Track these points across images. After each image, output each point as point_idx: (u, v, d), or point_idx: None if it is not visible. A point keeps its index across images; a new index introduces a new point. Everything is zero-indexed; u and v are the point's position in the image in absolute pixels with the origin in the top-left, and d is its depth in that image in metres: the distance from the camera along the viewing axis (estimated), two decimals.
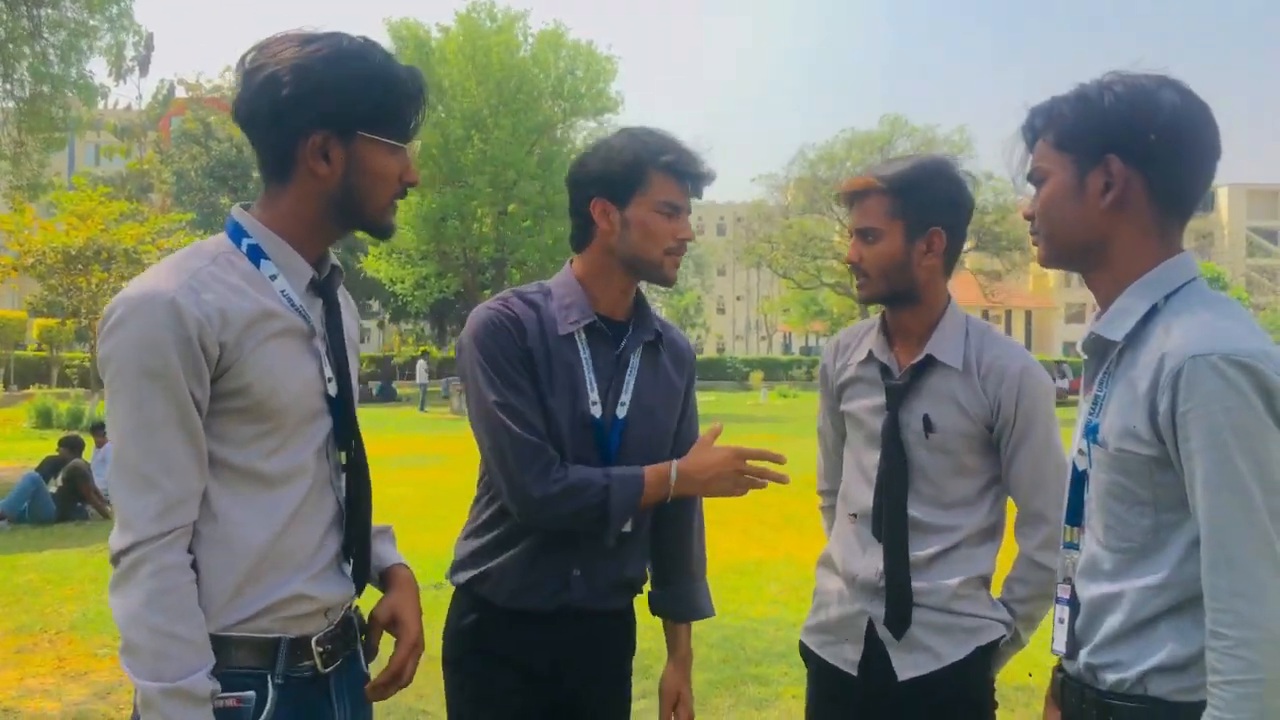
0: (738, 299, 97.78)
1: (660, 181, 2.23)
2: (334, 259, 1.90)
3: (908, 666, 2.30)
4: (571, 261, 2.35)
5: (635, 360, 2.31)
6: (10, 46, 15.71)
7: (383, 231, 1.85)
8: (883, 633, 2.32)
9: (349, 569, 1.84)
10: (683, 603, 2.47)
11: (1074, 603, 1.81)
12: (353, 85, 1.71)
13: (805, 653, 2.51)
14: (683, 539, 2.47)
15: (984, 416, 2.31)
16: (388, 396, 37.98)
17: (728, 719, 4.74)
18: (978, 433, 2.31)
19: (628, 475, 2.17)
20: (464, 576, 2.30)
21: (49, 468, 11.09)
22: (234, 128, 1.87)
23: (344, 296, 1.96)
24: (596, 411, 2.23)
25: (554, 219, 33.70)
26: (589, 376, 2.24)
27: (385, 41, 33.69)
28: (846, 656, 2.37)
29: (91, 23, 16.35)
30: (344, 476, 1.84)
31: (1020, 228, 45.89)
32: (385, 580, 2.01)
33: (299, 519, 1.74)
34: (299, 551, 1.75)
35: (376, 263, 35.58)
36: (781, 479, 2.17)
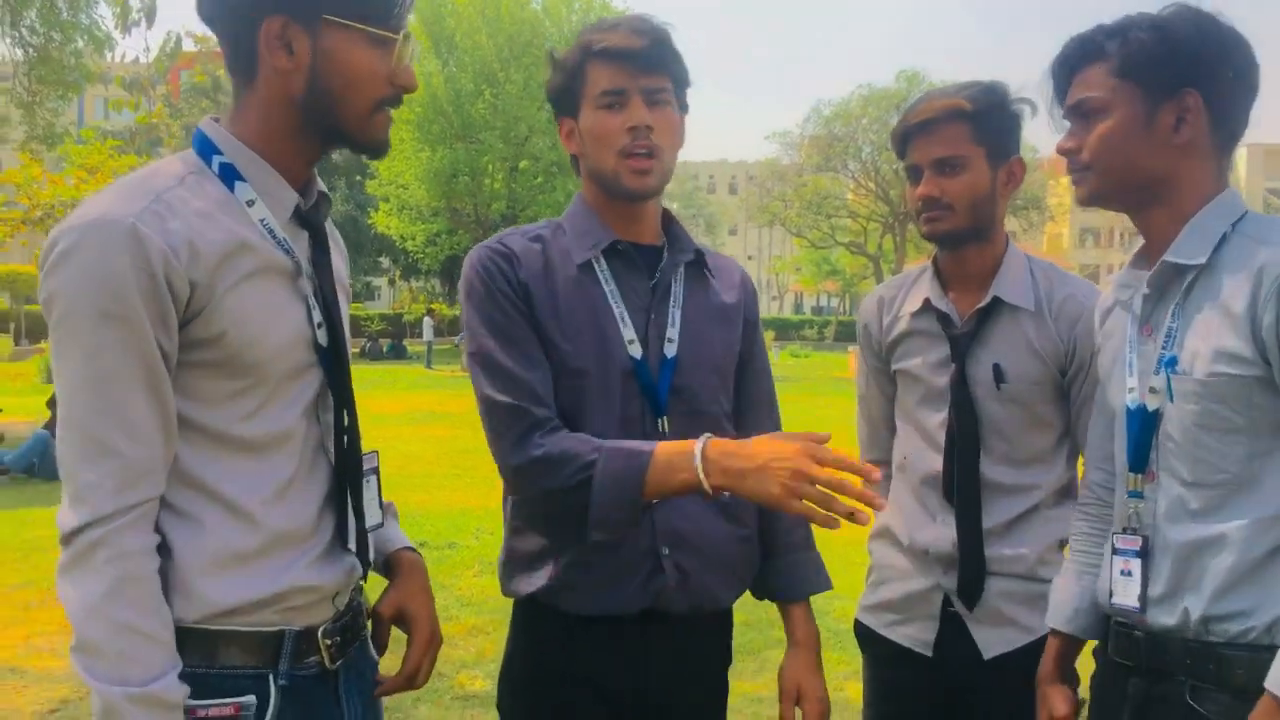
0: (749, 258, 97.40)
1: (596, 71, 1.84)
2: (322, 185, 1.59)
3: (994, 643, 2.12)
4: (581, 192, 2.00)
5: (678, 287, 1.91)
6: None
7: (371, 148, 1.51)
8: (960, 607, 2.14)
9: (352, 544, 1.56)
10: (789, 577, 2.00)
11: (1144, 554, 1.69)
12: None
13: (864, 634, 2.32)
14: None
15: (1058, 360, 2.12)
16: (399, 354, 37.99)
17: (752, 683, 4.65)
18: (1051, 378, 2.12)
19: (626, 450, 1.68)
20: (527, 587, 1.86)
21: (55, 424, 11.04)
22: None
23: (332, 232, 1.66)
24: (636, 352, 1.83)
25: (565, 176, 33.38)
26: (619, 311, 1.85)
27: None
28: (919, 636, 2.18)
29: None
30: (336, 440, 1.55)
31: (1035, 186, 45.42)
32: (390, 567, 1.71)
33: (292, 492, 1.47)
34: (295, 531, 1.47)
35: (387, 219, 35.37)
36: (863, 516, 1.50)
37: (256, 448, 1.45)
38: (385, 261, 46.89)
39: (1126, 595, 1.70)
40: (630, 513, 1.69)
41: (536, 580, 1.84)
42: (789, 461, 1.54)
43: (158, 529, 1.38)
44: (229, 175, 1.45)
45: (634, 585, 1.80)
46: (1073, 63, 1.75)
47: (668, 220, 1.98)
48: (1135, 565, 1.70)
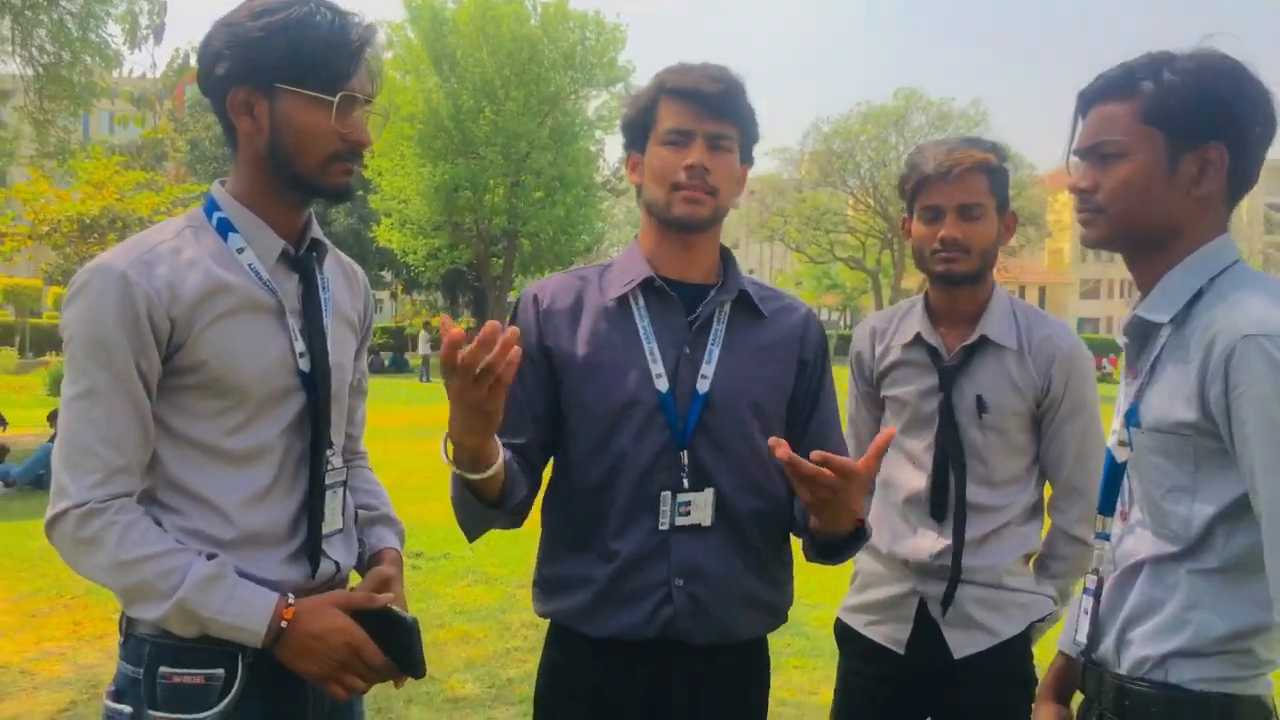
0: (750, 272, 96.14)
1: (666, 109, 1.92)
2: (317, 232, 1.81)
3: (965, 644, 2.32)
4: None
5: (720, 325, 1.95)
6: (28, 14, 15.73)
7: (330, 193, 1.73)
8: (935, 612, 2.34)
9: (337, 544, 1.77)
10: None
11: (1098, 594, 1.77)
12: (266, 36, 1.63)
13: (843, 631, 2.51)
14: None
15: (1034, 394, 2.34)
16: (400, 367, 38.08)
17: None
18: (1028, 411, 2.34)
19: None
20: (548, 606, 1.98)
21: None
22: None
23: (344, 270, 1.89)
24: (663, 386, 1.89)
25: (565, 190, 33.60)
26: (649, 346, 1.92)
27: (399, 13, 33.53)
28: (894, 635, 2.38)
29: None
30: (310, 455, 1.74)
31: (1035, 203, 45.60)
32: (373, 560, 1.89)
33: (269, 498, 1.68)
34: (268, 532, 1.68)
35: (389, 233, 35.53)
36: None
37: (237, 458, 1.66)
38: (387, 275, 47.07)
39: (1079, 632, 1.79)
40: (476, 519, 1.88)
41: (559, 603, 1.95)
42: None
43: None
44: (224, 228, 1.71)
45: (643, 612, 1.86)
46: (1094, 97, 1.69)
47: (727, 260, 2.02)
48: (1090, 604, 1.77)
